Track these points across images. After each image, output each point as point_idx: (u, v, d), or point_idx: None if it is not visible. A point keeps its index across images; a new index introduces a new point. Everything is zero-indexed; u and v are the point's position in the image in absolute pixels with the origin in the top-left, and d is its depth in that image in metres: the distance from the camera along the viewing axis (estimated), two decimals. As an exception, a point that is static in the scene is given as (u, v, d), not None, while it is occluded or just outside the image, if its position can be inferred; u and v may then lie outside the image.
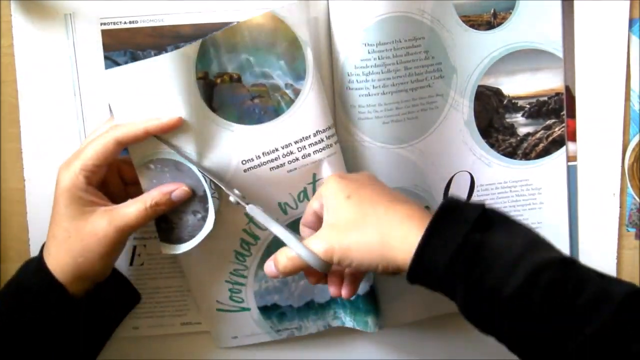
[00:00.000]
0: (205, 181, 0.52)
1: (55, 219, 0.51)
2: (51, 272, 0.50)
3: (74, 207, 0.50)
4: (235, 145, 0.54)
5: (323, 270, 0.48)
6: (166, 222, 0.54)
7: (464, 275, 0.42)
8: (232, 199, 0.51)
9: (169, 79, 0.52)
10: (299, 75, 0.54)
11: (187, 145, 0.53)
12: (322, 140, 0.55)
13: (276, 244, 0.52)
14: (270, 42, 0.54)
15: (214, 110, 0.54)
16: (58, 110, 0.58)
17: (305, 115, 0.55)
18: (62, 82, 0.57)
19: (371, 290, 0.59)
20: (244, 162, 0.55)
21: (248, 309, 0.61)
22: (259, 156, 0.55)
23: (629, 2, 0.57)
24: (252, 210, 0.51)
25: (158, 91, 0.52)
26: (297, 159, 0.55)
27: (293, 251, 0.48)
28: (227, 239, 0.58)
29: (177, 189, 0.51)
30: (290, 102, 0.55)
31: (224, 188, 0.51)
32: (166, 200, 0.51)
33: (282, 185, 0.56)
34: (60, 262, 0.50)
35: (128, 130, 0.50)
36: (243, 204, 0.51)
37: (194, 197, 0.53)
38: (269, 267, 0.50)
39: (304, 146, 0.55)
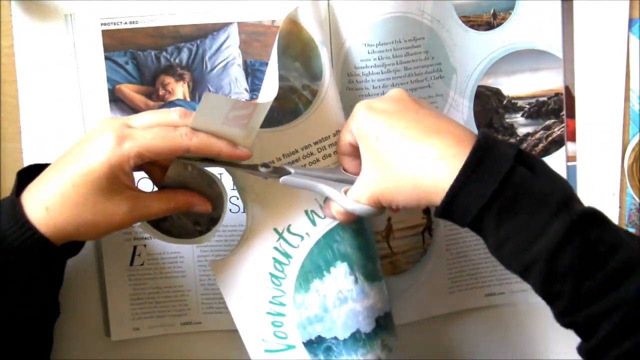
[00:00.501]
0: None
1: (73, 177, 0.46)
2: (37, 228, 0.45)
3: (107, 184, 0.46)
4: (255, 150, 0.51)
5: (379, 214, 0.48)
6: (167, 220, 0.53)
7: (499, 220, 0.41)
8: (262, 169, 0.50)
9: None
10: (315, 76, 0.53)
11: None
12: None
13: (309, 259, 0.53)
14: (285, 44, 0.53)
15: None
16: (58, 110, 0.58)
17: (323, 115, 0.54)
18: (62, 82, 0.57)
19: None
20: (265, 166, 0.52)
21: (293, 347, 0.55)
22: (279, 159, 0.53)
23: (628, 2, 0.57)
24: (287, 180, 0.50)
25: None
26: (318, 160, 0.54)
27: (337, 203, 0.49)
28: (260, 260, 0.54)
29: (202, 205, 0.50)
30: (308, 103, 0.54)
31: (252, 171, 0.51)
32: (188, 208, 0.50)
33: (307, 191, 0.53)
34: (56, 221, 0.46)
35: (204, 145, 0.47)
36: (275, 176, 0.50)
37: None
38: (327, 209, 0.52)
39: (324, 147, 0.54)
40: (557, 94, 0.60)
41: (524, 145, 0.61)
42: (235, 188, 0.54)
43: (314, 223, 0.54)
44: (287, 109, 0.53)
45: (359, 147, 0.49)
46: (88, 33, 0.56)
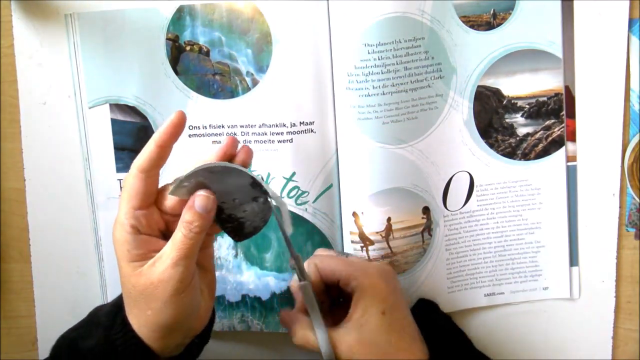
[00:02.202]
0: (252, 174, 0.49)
1: (119, 275, 0.48)
2: (134, 329, 0.47)
3: (125, 264, 0.46)
4: (188, 110, 0.57)
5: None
6: (230, 221, 0.50)
7: None
8: (290, 262, 0.51)
9: (138, 30, 0.56)
10: (262, 68, 0.57)
11: (144, 96, 0.57)
12: (266, 134, 0.57)
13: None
14: (245, 28, 0.56)
15: (176, 73, 0.57)
16: (58, 110, 0.58)
17: (256, 106, 0.58)
18: (62, 82, 0.57)
19: (288, 289, 0.60)
20: (191, 127, 0.58)
21: None
22: (205, 126, 0.58)
23: (628, 2, 0.57)
24: (304, 288, 0.50)
25: (126, 41, 0.56)
26: (239, 142, 0.56)
27: (316, 339, 0.50)
28: None
29: (197, 199, 0.46)
30: (247, 90, 0.58)
31: (293, 255, 0.50)
32: (193, 215, 0.46)
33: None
34: (134, 318, 0.47)
35: (143, 154, 0.46)
36: (297, 275, 0.51)
37: (244, 188, 0.48)
38: (284, 324, 0.53)
39: (248, 132, 0.58)
40: (557, 94, 0.60)
41: (524, 145, 0.61)
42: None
43: None
44: (227, 87, 0.58)
45: (336, 284, 0.52)
46: (88, 33, 0.56)
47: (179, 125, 0.47)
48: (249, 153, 0.49)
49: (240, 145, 0.48)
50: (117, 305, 0.50)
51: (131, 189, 0.46)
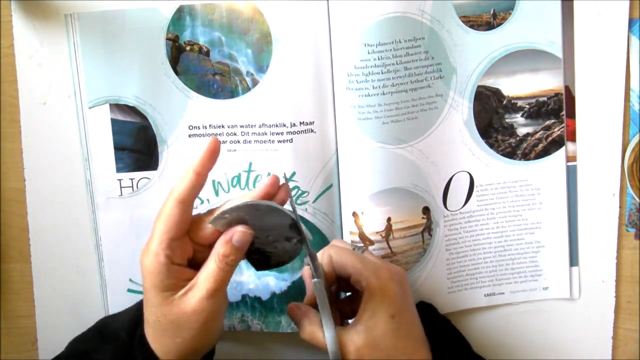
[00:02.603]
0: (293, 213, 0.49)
1: (145, 301, 0.48)
2: (154, 352, 0.48)
3: (156, 293, 0.47)
4: (188, 110, 0.58)
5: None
6: (258, 253, 0.50)
7: None
8: (305, 260, 0.51)
9: (138, 30, 0.56)
10: (262, 68, 0.57)
11: (144, 96, 0.57)
12: (266, 134, 0.57)
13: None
14: (244, 28, 0.56)
15: (176, 73, 0.57)
16: (58, 110, 0.58)
17: (256, 106, 0.58)
18: (62, 82, 0.57)
19: (288, 290, 0.60)
20: (191, 127, 0.58)
21: None
22: (205, 126, 0.58)
23: (628, 2, 0.57)
24: (317, 285, 0.50)
25: (126, 41, 0.56)
26: (239, 142, 0.58)
27: (323, 336, 0.49)
28: (157, 208, 0.55)
29: (235, 234, 0.47)
30: (247, 90, 0.58)
31: (308, 251, 0.50)
32: (230, 248, 0.46)
33: (219, 162, 0.55)
34: (160, 343, 0.48)
35: (182, 184, 0.46)
36: (312, 272, 0.50)
37: (281, 228, 0.49)
38: (293, 316, 0.52)
39: (248, 132, 0.58)
40: (557, 94, 0.60)
41: (524, 145, 0.61)
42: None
43: (216, 194, 0.60)
44: (227, 87, 0.58)
45: (349, 281, 0.52)
46: (88, 33, 0.56)
47: (216, 152, 0.47)
48: (288, 193, 0.49)
49: (280, 182, 0.49)
50: (135, 322, 0.50)
51: (169, 220, 0.46)
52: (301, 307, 0.52)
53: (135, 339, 0.49)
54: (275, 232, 0.48)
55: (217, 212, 0.47)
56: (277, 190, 0.49)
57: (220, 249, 0.47)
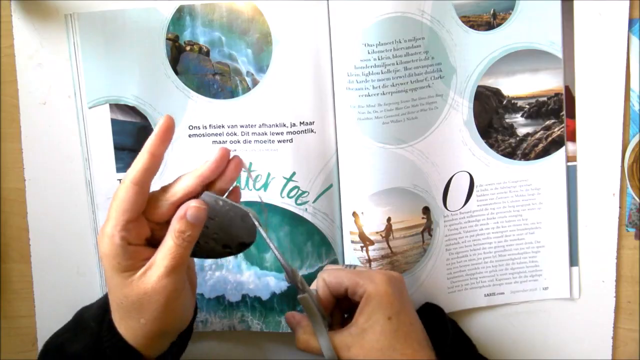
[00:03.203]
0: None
1: (107, 286, 0.48)
2: (123, 337, 0.47)
3: (116, 275, 0.46)
4: (188, 110, 0.58)
5: None
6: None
7: None
8: (285, 277, 0.51)
9: (138, 30, 0.56)
10: (262, 68, 0.57)
11: (144, 96, 0.57)
12: (266, 134, 0.57)
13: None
14: (244, 28, 0.56)
15: (176, 73, 0.57)
16: (58, 110, 0.58)
17: (256, 106, 0.58)
18: (62, 82, 0.57)
19: (288, 290, 0.60)
20: (191, 127, 0.59)
21: None
22: (205, 127, 0.58)
23: (628, 2, 0.57)
24: (302, 300, 0.50)
25: (126, 41, 0.56)
26: (239, 142, 0.58)
27: (318, 343, 0.50)
28: None
29: (189, 209, 0.46)
30: (247, 90, 0.58)
31: (287, 271, 0.50)
32: (186, 224, 0.46)
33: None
34: (126, 327, 0.47)
35: (136, 165, 0.46)
36: (300, 288, 0.51)
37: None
38: (289, 325, 0.53)
39: (248, 132, 0.58)
40: (557, 94, 0.60)
41: (524, 145, 0.61)
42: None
43: None
44: (227, 87, 0.58)
45: (346, 294, 0.52)
46: (88, 33, 0.56)
47: (169, 130, 0.47)
48: (238, 168, 0.49)
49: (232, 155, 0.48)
50: (103, 309, 0.50)
51: (124, 202, 0.45)
52: (295, 316, 0.53)
53: (104, 325, 0.49)
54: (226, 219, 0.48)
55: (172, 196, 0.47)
56: (227, 164, 0.48)
57: (175, 224, 0.46)
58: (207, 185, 0.48)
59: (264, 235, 0.49)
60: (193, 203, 0.47)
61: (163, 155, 0.47)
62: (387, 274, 0.53)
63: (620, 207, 0.61)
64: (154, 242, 0.48)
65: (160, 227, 0.48)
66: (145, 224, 0.47)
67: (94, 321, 0.50)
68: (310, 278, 0.60)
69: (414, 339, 0.51)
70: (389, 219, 0.59)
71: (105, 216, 0.59)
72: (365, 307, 0.50)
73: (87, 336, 0.49)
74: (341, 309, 0.55)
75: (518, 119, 0.60)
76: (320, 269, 0.59)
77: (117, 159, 0.59)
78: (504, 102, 0.60)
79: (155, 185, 0.47)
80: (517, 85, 0.59)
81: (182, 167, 0.59)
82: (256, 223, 0.48)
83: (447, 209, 0.61)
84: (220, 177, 0.48)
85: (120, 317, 0.48)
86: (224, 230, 0.49)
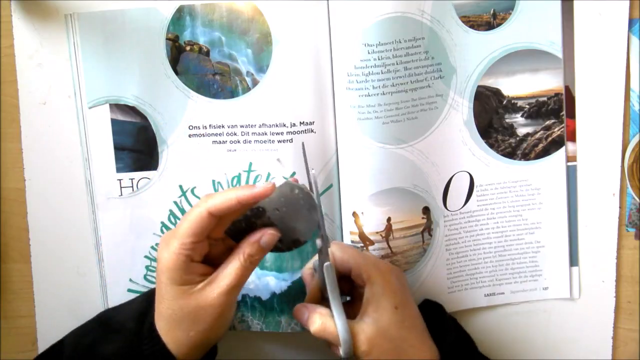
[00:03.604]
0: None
1: (158, 294, 0.50)
2: (165, 344, 0.49)
3: (174, 287, 0.48)
4: (188, 110, 0.58)
5: (346, 357, 0.50)
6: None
7: None
8: (318, 242, 0.51)
9: (138, 30, 0.56)
10: (262, 68, 0.57)
11: (144, 96, 0.57)
12: (266, 134, 0.58)
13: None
14: (244, 28, 0.56)
15: (176, 73, 0.57)
16: (58, 110, 0.58)
17: (256, 106, 0.58)
18: (62, 82, 0.57)
19: (288, 290, 0.60)
20: (191, 127, 0.58)
21: None
22: (205, 127, 0.58)
23: (628, 2, 0.57)
24: (328, 268, 0.51)
25: (126, 41, 0.56)
26: (239, 142, 0.58)
27: (335, 328, 0.50)
28: (158, 208, 0.59)
29: (265, 236, 0.49)
30: (247, 90, 0.58)
31: (323, 233, 0.51)
32: (257, 249, 0.49)
33: (219, 162, 0.58)
34: (172, 336, 0.49)
35: (221, 201, 0.48)
36: (325, 254, 0.51)
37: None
38: (300, 316, 0.52)
39: (248, 132, 0.58)
40: (557, 94, 0.60)
41: (524, 145, 0.60)
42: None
43: None
44: (227, 87, 0.58)
45: (353, 280, 0.53)
46: (88, 33, 0.56)
47: (265, 196, 0.48)
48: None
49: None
50: (143, 313, 0.51)
51: (196, 227, 0.47)
52: (308, 306, 0.53)
53: (144, 329, 0.50)
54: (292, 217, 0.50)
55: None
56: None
57: (246, 248, 0.49)
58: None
59: (318, 203, 0.50)
60: (270, 230, 0.50)
61: (246, 208, 0.49)
62: (390, 265, 0.54)
63: (620, 207, 0.61)
64: (208, 257, 0.50)
65: (216, 242, 0.51)
66: (207, 242, 0.49)
67: (133, 322, 0.51)
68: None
69: (418, 330, 0.51)
70: (389, 219, 0.59)
71: (104, 216, 0.59)
72: (372, 296, 0.51)
73: (123, 339, 0.50)
74: (340, 289, 0.54)
75: (518, 119, 0.60)
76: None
77: (117, 159, 0.59)
78: (504, 102, 0.60)
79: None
80: (517, 85, 0.59)
81: (182, 167, 0.59)
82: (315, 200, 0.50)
83: (447, 209, 0.61)
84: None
85: (169, 327, 0.49)
86: (285, 223, 0.51)
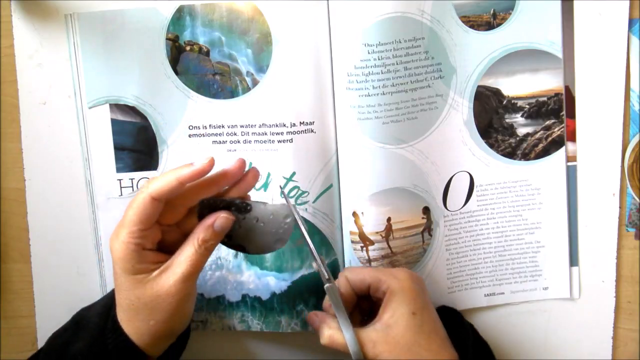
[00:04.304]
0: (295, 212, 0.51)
1: (116, 286, 0.49)
2: (128, 336, 0.48)
3: (129, 277, 0.47)
4: (188, 110, 0.58)
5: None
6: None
7: None
8: (314, 265, 0.52)
9: (138, 30, 0.56)
10: (262, 68, 0.57)
11: (144, 96, 0.57)
12: (266, 134, 0.58)
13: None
14: (244, 28, 0.56)
15: (176, 73, 0.57)
16: (58, 110, 0.58)
17: (256, 105, 0.58)
18: (62, 82, 0.57)
19: (288, 290, 0.60)
20: (191, 127, 0.59)
21: None
22: (205, 127, 0.58)
23: (628, 2, 0.57)
24: (330, 289, 0.51)
25: (126, 41, 0.56)
26: (239, 142, 0.59)
27: (343, 339, 0.50)
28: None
29: (218, 219, 0.48)
30: (247, 90, 0.58)
31: (314, 255, 0.51)
32: (211, 233, 0.48)
33: (220, 162, 0.57)
34: (133, 327, 0.48)
35: (162, 184, 0.46)
36: (325, 278, 0.51)
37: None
38: (312, 324, 0.53)
39: (248, 133, 0.58)
40: (557, 94, 0.60)
41: (524, 145, 0.60)
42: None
43: None
44: (227, 87, 0.58)
45: (368, 292, 0.53)
46: (88, 33, 0.56)
47: (205, 172, 0.48)
48: (255, 178, 0.51)
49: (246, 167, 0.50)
50: (107, 308, 0.50)
51: (141, 213, 0.46)
52: (318, 315, 0.53)
53: (108, 323, 0.50)
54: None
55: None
56: (244, 176, 0.50)
57: (200, 233, 0.48)
58: (222, 193, 0.50)
59: (301, 224, 0.51)
60: (224, 214, 0.48)
61: (186, 186, 0.48)
62: (409, 272, 0.53)
63: (620, 207, 0.61)
64: (163, 245, 0.49)
65: (170, 229, 0.49)
66: (158, 228, 0.48)
67: (97, 318, 0.50)
68: (311, 278, 0.60)
69: (438, 335, 0.51)
70: (389, 219, 0.59)
71: (104, 216, 0.59)
72: (389, 302, 0.51)
73: (89, 335, 0.50)
74: (361, 310, 0.55)
75: (518, 119, 0.60)
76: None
77: (117, 159, 0.59)
78: (504, 102, 0.60)
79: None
80: (517, 85, 0.59)
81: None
82: (297, 216, 0.50)
83: (447, 209, 0.61)
84: (236, 187, 0.50)
85: (128, 317, 0.48)
86: (258, 233, 0.51)
